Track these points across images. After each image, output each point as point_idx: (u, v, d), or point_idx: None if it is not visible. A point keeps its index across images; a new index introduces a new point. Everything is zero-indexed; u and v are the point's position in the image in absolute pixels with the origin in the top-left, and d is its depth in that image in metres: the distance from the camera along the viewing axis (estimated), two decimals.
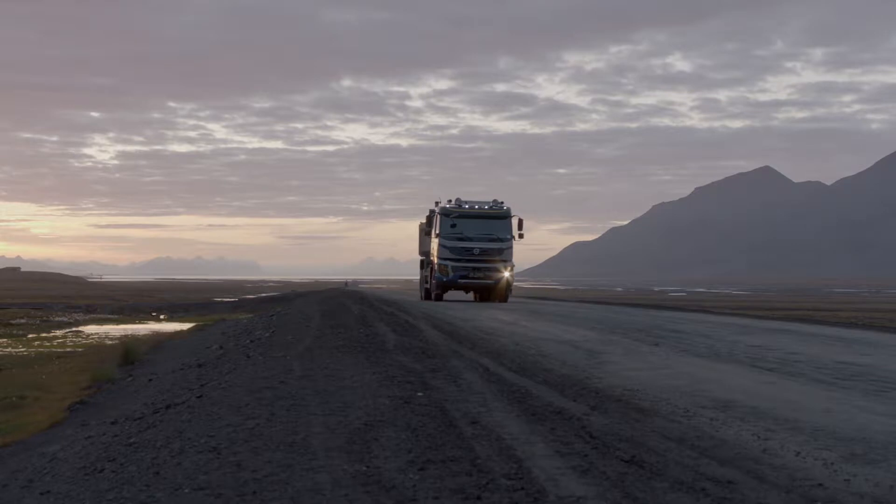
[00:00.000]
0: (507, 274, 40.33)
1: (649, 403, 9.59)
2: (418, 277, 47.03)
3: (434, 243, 41.26)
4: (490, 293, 41.12)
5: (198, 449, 7.33)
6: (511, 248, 40.58)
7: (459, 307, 33.52)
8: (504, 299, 40.47)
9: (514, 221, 40.90)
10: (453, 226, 40.44)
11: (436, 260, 40.63)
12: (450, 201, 41.24)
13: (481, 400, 9.28)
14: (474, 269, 40.19)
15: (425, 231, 42.62)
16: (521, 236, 40.89)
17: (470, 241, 40.24)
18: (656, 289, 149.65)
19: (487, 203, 41.57)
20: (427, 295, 43.27)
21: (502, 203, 41.43)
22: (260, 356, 14.60)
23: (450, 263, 40.18)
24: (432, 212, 41.60)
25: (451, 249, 40.19)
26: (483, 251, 40.16)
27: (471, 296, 44.25)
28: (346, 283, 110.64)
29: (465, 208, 41.03)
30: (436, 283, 40.85)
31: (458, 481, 6.10)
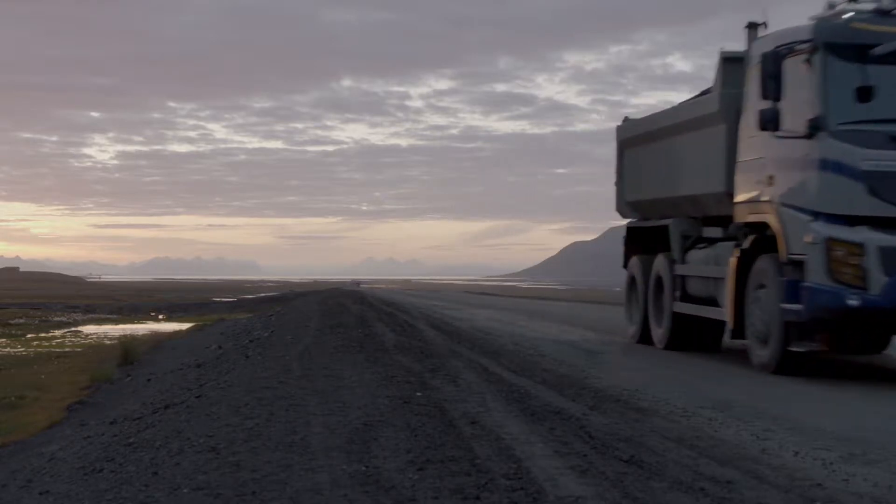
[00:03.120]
0: None
1: (648, 403, 9.60)
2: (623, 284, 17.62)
3: (780, 163, 11.84)
4: None
5: (196, 449, 7.32)
6: None
7: (456, 305, 32.95)
8: None
9: None
10: (868, 91, 11.10)
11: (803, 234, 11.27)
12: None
13: (480, 400, 9.28)
14: None
15: (734, 127, 13.13)
16: None
17: None
18: None
19: None
20: (677, 337, 15.02)
21: None
22: (259, 356, 14.59)
23: (873, 240, 10.83)
24: (741, 55, 13.49)
25: (884, 184, 10.89)
26: None
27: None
28: (357, 284, 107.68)
29: None
30: (807, 311, 11.10)
31: (457, 481, 6.10)
